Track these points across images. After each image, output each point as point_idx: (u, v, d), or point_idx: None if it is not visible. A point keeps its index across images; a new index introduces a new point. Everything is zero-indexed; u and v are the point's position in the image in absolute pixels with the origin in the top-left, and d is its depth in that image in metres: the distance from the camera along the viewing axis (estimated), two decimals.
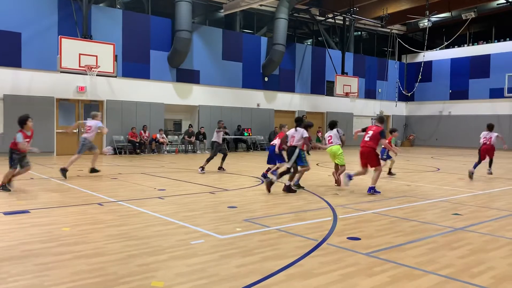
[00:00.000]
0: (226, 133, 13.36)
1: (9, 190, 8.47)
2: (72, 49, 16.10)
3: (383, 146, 11.01)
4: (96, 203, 7.36)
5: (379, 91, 31.10)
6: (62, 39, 16.06)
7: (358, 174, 9.17)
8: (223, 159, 13.12)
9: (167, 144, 20.77)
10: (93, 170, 11.29)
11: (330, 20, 27.21)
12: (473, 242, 5.25)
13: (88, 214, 6.49)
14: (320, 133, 25.02)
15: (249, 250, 4.70)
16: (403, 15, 27.39)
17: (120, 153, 19.30)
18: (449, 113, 30.24)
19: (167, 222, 6.01)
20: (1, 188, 8.48)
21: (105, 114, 19.37)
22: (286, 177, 8.95)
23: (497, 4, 26.97)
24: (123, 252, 4.58)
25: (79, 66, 16.25)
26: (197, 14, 23.30)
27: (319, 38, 28.19)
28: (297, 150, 8.81)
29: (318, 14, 26.73)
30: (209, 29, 22.85)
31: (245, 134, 23.58)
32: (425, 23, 27.85)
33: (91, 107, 19.35)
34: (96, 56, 16.50)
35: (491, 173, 12.31)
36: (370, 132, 8.95)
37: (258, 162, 15.93)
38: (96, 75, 17.00)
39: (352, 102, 28.26)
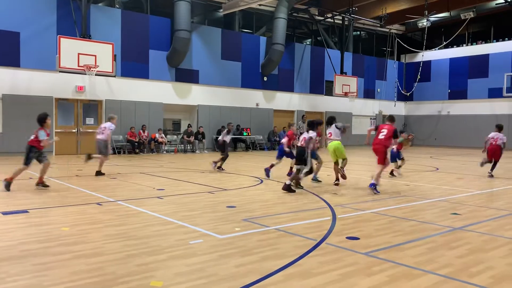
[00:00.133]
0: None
1: (9, 190, 8.46)
2: (71, 48, 16.07)
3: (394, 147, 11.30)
4: (95, 203, 7.35)
5: (378, 91, 31.12)
6: (61, 39, 16.03)
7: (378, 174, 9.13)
8: (224, 159, 13.12)
9: (165, 144, 20.76)
10: (88, 158, 11.59)
11: (329, 20, 27.23)
12: (472, 241, 5.25)
13: (87, 214, 6.49)
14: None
15: (248, 250, 4.70)
16: (402, 15, 27.41)
17: (119, 152, 19.29)
18: (448, 113, 30.28)
19: (166, 222, 6.01)
20: (5, 185, 8.49)
21: (104, 114, 19.37)
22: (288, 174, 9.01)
23: (496, 4, 27.00)
24: (122, 252, 4.58)
25: (78, 66, 16.22)
26: (196, 14, 23.29)
27: (318, 38, 28.20)
28: (308, 151, 8.87)
29: (317, 14, 26.74)
30: (208, 28, 22.84)
31: (244, 134, 23.58)
32: (424, 23, 27.85)
33: (90, 107, 19.36)
34: (95, 55, 16.48)
35: (491, 176, 12.18)
36: (384, 131, 9.24)
37: (257, 162, 15.93)
38: (95, 75, 16.96)
39: (351, 102, 28.28)
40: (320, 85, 27.64)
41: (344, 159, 10.21)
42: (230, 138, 13.22)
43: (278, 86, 25.49)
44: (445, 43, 28.81)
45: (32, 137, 8.85)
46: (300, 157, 8.87)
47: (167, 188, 9.28)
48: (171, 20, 20.91)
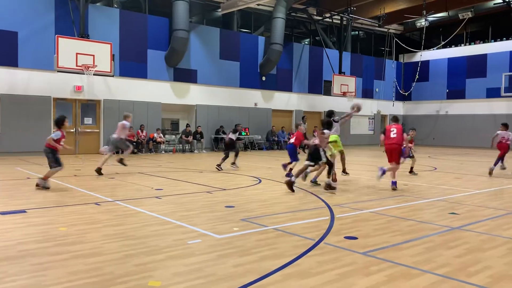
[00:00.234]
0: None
1: (49, 187, 8.71)
2: (69, 48, 16.06)
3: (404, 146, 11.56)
4: (93, 203, 7.34)
5: (377, 90, 31.16)
6: (59, 38, 16.01)
7: (391, 170, 9.52)
8: (224, 159, 13.20)
9: (163, 143, 20.75)
10: (121, 160, 11.85)
11: (327, 19, 27.23)
12: (470, 241, 5.26)
13: (85, 214, 6.48)
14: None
15: (246, 250, 4.70)
16: (400, 14, 27.44)
17: (117, 152, 19.22)
18: (446, 112, 30.32)
19: (164, 222, 6.00)
20: (41, 184, 8.67)
21: (102, 114, 19.36)
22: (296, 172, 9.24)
23: (494, 4, 27.06)
24: (120, 252, 4.57)
25: (76, 66, 16.21)
26: (194, 14, 23.27)
27: (316, 38, 28.22)
28: (320, 149, 9.03)
29: (315, 13, 26.74)
30: (207, 28, 22.83)
31: (243, 133, 23.57)
32: (422, 22, 27.88)
33: (88, 107, 19.32)
34: (93, 55, 16.47)
35: (490, 173, 12.35)
36: (394, 129, 9.58)
37: (255, 162, 15.94)
38: (93, 75, 16.96)
39: (350, 102, 28.28)
40: (318, 85, 27.66)
41: (342, 154, 10.81)
42: (236, 136, 13.76)
43: (277, 86, 25.49)
44: (443, 43, 28.87)
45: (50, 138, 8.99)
46: (314, 155, 9.01)
47: (166, 188, 9.27)
48: (169, 20, 20.89)
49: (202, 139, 21.57)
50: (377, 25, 28.43)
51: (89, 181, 10.18)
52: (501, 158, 12.74)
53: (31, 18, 17.47)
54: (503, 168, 13.04)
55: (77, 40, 16.63)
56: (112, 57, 17.29)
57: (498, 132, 13.05)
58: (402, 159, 10.51)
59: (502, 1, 25.97)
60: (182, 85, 21.80)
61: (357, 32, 31.18)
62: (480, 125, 27.99)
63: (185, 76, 21.83)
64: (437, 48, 30.45)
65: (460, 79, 29.59)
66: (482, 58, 28.41)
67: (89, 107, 19.38)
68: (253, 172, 12.38)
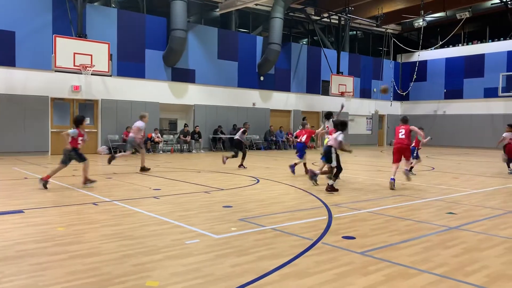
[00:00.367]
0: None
1: (95, 181, 9.19)
2: (66, 48, 16.03)
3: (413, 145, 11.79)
4: (91, 203, 7.34)
5: (374, 90, 31.18)
6: (57, 38, 15.99)
7: (396, 170, 9.74)
8: (234, 156, 13.57)
9: (161, 143, 20.73)
10: (143, 169, 12.11)
11: (325, 19, 27.25)
12: (467, 241, 5.28)
13: (83, 214, 6.48)
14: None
15: (244, 250, 4.71)
16: (398, 14, 27.48)
17: (115, 152, 19.21)
18: (444, 112, 30.38)
19: (162, 222, 6.00)
20: (87, 183, 8.99)
21: (100, 114, 19.33)
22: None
23: (492, 4, 27.11)
24: (118, 252, 4.57)
25: (74, 65, 16.18)
26: (192, 13, 23.26)
27: (314, 38, 28.23)
28: (332, 149, 9.07)
29: (313, 13, 26.77)
30: (205, 28, 22.82)
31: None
32: (420, 22, 27.94)
33: (86, 107, 19.29)
34: (91, 55, 16.44)
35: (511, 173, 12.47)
36: (402, 130, 9.80)
37: (253, 162, 15.93)
38: (91, 74, 16.93)
39: (348, 102, 28.30)
40: (316, 85, 27.67)
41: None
42: (245, 138, 14.03)
43: (275, 85, 25.50)
44: (441, 43, 28.92)
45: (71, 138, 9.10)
46: (328, 156, 9.10)
47: (163, 188, 9.27)
48: (167, 20, 20.86)
49: (200, 139, 21.56)
50: (375, 25, 28.47)
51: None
52: (508, 160, 12.70)
53: (28, 18, 17.42)
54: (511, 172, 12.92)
55: (74, 39, 16.60)
56: (110, 56, 17.28)
57: (504, 134, 12.93)
58: (411, 160, 10.66)
59: (499, 1, 26.03)
60: (180, 85, 21.78)
61: (355, 32, 31.21)
62: (478, 125, 28.07)
63: (183, 76, 21.81)
64: (434, 48, 30.51)
65: (458, 79, 29.65)
66: (480, 58, 28.47)
67: (87, 107, 19.34)
68: (251, 172, 12.38)
